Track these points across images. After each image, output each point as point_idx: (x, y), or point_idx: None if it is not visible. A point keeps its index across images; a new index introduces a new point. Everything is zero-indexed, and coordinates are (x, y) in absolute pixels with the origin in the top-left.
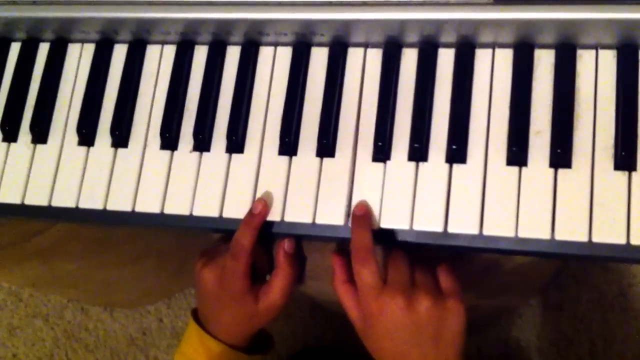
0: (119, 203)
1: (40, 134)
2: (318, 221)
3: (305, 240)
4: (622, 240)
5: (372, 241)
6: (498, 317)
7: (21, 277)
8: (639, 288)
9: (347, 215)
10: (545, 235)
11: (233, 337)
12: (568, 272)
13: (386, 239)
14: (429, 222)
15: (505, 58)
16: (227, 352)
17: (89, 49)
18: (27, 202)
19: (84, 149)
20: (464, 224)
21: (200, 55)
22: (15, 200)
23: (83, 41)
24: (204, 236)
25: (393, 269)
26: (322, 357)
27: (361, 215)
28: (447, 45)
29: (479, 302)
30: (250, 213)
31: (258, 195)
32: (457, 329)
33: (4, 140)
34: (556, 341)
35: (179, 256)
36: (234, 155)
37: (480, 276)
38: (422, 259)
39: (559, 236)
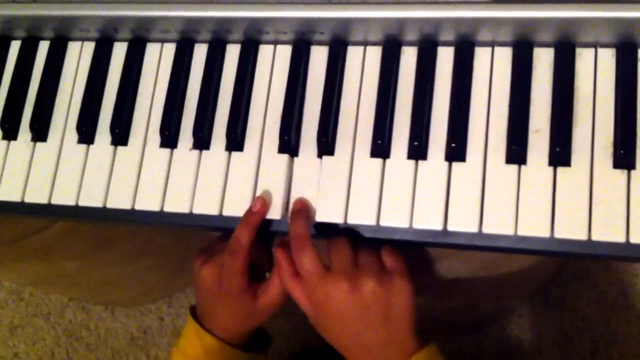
0: (119, 201)
1: (40, 132)
2: (317, 219)
3: None
4: (621, 239)
5: (307, 230)
6: (499, 316)
7: (21, 275)
8: None
9: (347, 213)
10: (544, 233)
11: (231, 334)
12: (569, 271)
13: (385, 237)
14: (428, 220)
15: (504, 56)
16: (225, 350)
17: (89, 47)
18: (27, 199)
19: (83, 147)
20: (463, 222)
21: (200, 53)
22: (15, 198)
23: (83, 39)
24: (203, 234)
25: (335, 254)
26: (323, 356)
27: (297, 209)
28: (446, 44)
29: (480, 301)
30: (249, 211)
31: (258, 193)
32: (405, 305)
33: (4, 138)
34: (557, 340)
35: (178, 254)
36: (234, 154)
37: (481, 275)
38: (365, 243)
39: (559, 234)
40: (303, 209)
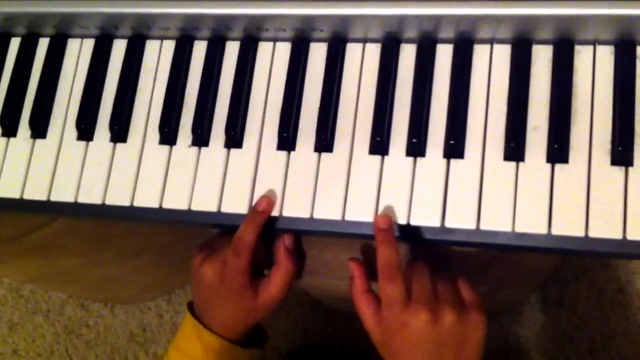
0: (118, 198)
1: (39, 129)
2: (316, 216)
3: (303, 235)
4: (618, 236)
5: (399, 257)
6: (498, 313)
7: (21, 272)
8: (639, 285)
9: (345, 210)
10: (542, 230)
11: (230, 331)
12: (567, 269)
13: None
14: (426, 217)
15: (503, 54)
16: (224, 346)
17: (89, 44)
18: (26, 196)
19: (83, 143)
20: (461, 219)
21: (199, 50)
22: (15, 195)
23: (83, 36)
24: (203, 232)
25: (416, 282)
26: (322, 353)
27: (385, 229)
28: (445, 41)
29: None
30: (255, 210)
31: (256, 190)
32: (478, 342)
33: (3, 135)
34: (555, 338)
35: (178, 252)
36: (233, 150)
37: (481, 270)
38: (441, 271)
39: (556, 231)
40: (390, 230)
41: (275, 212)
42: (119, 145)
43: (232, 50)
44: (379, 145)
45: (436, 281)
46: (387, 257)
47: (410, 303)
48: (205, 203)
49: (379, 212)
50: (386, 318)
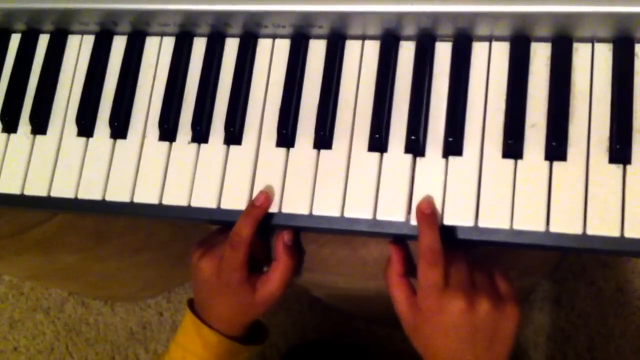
0: (118, 194)
1: (39, 125)
2: (315, 212)
3: (302, 231)
4: (616, 233)
5: (440, 242)
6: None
7: (21, 268)
8: (637, 283)
9: (344, 207)
10: (540, 227)
11: (229, 327)
12: (566, 268)
13: (382, 231)
14: None
15: (502, 51)
16: (223, 342)
17: (89, 40)
18: (27, 192)
19: (83, 139)
20: (459, 216)
21: (198, 47)
22: (15, 190)
23: (82, 33)
24: (203, 229)
25: (455, 269)
26: (320, 350)
27: (429, 214)
28: (444, 38)
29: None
30: (252, 204)
31: (255, 186)
32: (511, 333)
33: (4, 130)
34: (554, 336)
35: (177, 250)
36: (232, 147)
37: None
38: (478, 261)
39: (554, 228)
40: (434, 214)
41: (274, 208)
42: (119, 142)
43: (231, 46)
44: (378, 142)
45: (473, 270)
46: (431, 241)
47: (448, 289)
48: (204, 199)
49: (378, 209)
50: (422, 303)
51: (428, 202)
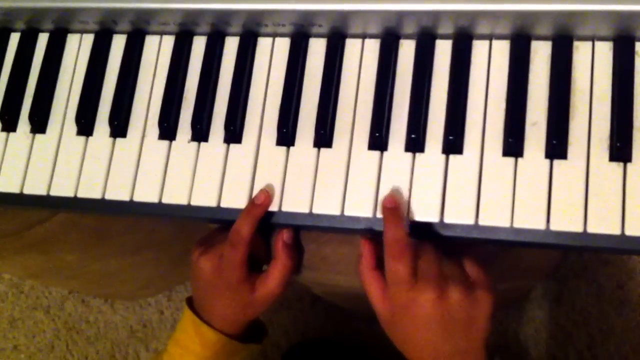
0: (118, 193)
1: (39, 124)
2: (315, 211)
3: (302, 230)
4: (617, 231)
5: (406, 234)
6: (497, 310)
7: (21, 267)
8: (638, 281)
9: (344, 205)
10: (540, 225)
11: (228, 325)
12: (567, 266)
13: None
14: (425, 212)
15: (502, 49)
16: (222, 341)
17: (88, 39)
18: (26, 191)
19: (82, 138)
20: (460, 215)
21: (198, 45)
22: (14, 189)
23: (82, 31)
24: (203, 228)
25: (424, 261)
26: (321, 348)
27: (392, 208)
28: (444, 37)
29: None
30: (252, 203)
31: (255, 185)
32: (485, 319)
33: (3, 129)
34: (554, 334)
35: (178, 248)
36: (232, 146)
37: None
38: (448, 251)
39: (554, 227)
40: (398, 209)
41: (274, 207)
42: (119, 140)
43: (231, 45)
44: (378, 140)
45: (443, 260)
46: (394, 235)
47: (417, 282)
48: (204, 198)
49: (379, 207)
50: (393, 296)
51: (391, 197)
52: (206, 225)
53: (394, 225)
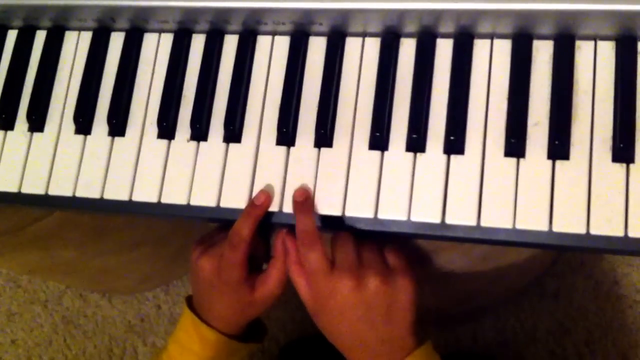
0: (116, 192)
1: (37, 122)
2: (316, 211)
3: None
4: (619, 233)
5: (315, 225)
6: (495, 306)
7: (19, 263)
8: (635, 277)
9: (345, 206)
10: (543, 227)
11: (228, 325)
12: (564, 262)
13: (383, 230)
14: (426, 213)
15: (503, 49)
16: (222, 340)
17: (86, 37)
18: (24, 190)
19: (80, 137)
20: (461, 215)
21: (197, 44)
22: (12, 188)
23: (80, 29)
24: (202, 224)
25: (340, 250)
26: (319, 344)
27: (301, 202)
28: (445, 36)
29: (477, 293)
30: (252, 204)
31: (255, 185)
32: (407, 305)
33: (1, 128)
34: (552, 330)
35: (176, 243)
36: (232, 145)
37: (479, 267)
38: (368, 239)
39: (557, 228)
40: (308, 201)
41: (274, 207)
42: (117, 139)
43: (230, 44)
44: (379, 140)
45: (360, 249)
46: (305, 225)
47: (334, 271)
48: (204, 198)
49: (380, 207)
50: (314, 286)
51: (301, 190)
52: (205, 223)
53: (303, 217)
